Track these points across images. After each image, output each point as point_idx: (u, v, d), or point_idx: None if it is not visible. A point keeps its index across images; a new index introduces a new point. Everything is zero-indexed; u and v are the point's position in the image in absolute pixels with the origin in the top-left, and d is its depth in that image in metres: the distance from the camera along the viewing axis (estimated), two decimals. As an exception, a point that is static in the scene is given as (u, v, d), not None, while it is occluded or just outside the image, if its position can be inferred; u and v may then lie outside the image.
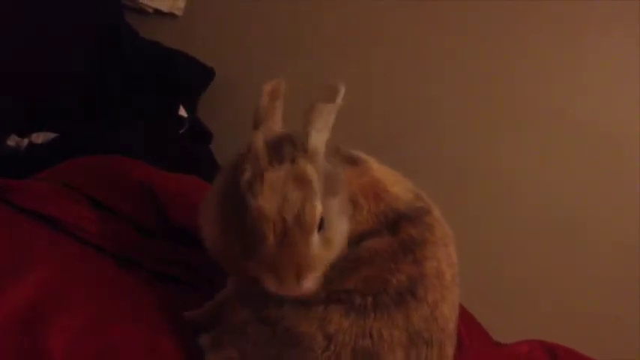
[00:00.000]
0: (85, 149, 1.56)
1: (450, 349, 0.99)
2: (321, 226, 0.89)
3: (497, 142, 2.13)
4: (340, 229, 0.94)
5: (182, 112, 2.22)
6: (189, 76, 2.27)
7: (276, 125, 0.97)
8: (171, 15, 2.35)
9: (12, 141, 1.86)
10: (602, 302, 2.05)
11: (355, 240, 0.96)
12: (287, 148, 0.91)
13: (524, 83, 2.10)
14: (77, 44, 2.03)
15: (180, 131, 2.19)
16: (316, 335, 0.92)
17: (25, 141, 1.87)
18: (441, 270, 0.98)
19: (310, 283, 0.88)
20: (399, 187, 1.04)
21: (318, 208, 0.89)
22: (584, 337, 1.51)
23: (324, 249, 0.90)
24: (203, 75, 2.31)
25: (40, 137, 1.90)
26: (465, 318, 1.48)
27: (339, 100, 0.93)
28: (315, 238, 0.89)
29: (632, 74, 2.01)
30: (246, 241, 0.89)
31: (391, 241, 0.97)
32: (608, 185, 2.06)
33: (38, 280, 0.99)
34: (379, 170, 1.05)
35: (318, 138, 0.92)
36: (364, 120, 2.02)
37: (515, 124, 2.12)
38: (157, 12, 2.34)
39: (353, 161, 1.01)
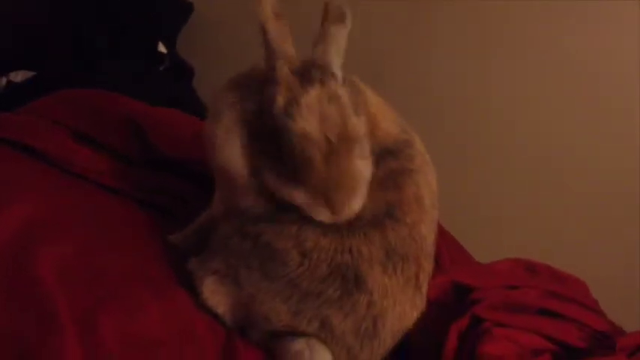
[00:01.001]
0: (64, 86, 1.55)
1: (427, 265, 1.03)
2: None
3: (486, 71, 2.12)
4: (369, 145, 0.96)
5: (161, 48, 2.19)
6: (167, 12, 2.24)
7: (290, 46, 0.95)
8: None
9: (-10, 80, 1.85)
10: (586, 235, 2.08)
11: None
12: (313, 72, 0.91)
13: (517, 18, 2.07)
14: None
15: (161, 68, 2.17)
16: (291, 252, 0.94)
17: (4, 80, 1.87)
18: (420, 195, 1.01)
19: (357, 204, 0.91)
20: (387, 121, 1.05)
21: (358, 123, 0.91)
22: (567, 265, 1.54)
23: (364, 168, 0.93)
24: (181, 10, 2.27)
25: (18, 75, 1.89)
26: (447, 240, 1.51)
27: (349, 22, 0.94)
28: (359, 154, 0.91)
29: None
30: (287, 169, 0.90)
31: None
32: (597, 124, 2.05)
33: (25, 210, 1.00)
34: (373, 104, 1.05)
35: (338, 61, 0.94)
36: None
37: (507, 54, 2.09)
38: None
39: (356, 91, 1.01)
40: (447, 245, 1.46)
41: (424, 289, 1.04)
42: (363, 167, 0.93)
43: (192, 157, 1.26)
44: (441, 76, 2.13)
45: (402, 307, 1.00)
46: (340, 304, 0.95)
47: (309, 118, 0.88)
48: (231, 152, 0.96)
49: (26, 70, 1.91)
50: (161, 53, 2.17)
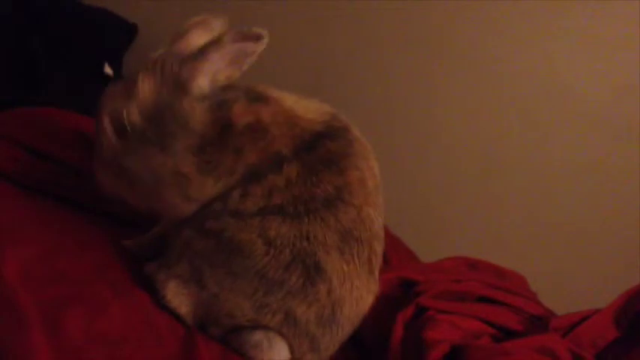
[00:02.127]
0: (11, 107, 1.56)
1: (378, 248, 1.07)
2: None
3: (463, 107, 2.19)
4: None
5: (107, 69, 2.21)
6: (112, 34, 2.26)
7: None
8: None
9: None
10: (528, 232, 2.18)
11: (274, 165, 1.02)
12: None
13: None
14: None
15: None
16: (256, 241, 0.98)
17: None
18: (363, 178, 1.05)
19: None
20: (314, 113, 1.08)
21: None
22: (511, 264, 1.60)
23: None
24: (126, 31, 2.30)
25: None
26: (393, 241, 1.58)
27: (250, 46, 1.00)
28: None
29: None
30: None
31: (308, 159, 1.02)
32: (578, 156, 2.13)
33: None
34: (293, 102, 1.08)
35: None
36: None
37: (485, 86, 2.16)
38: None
39: (260, 98, 1.05)
40: (393, 245, 1.53)
41: (377, 273, 1.08)
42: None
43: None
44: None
45: (358, 291, 1.04)
46: (303, 294, 0.99)
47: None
48: None
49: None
50: (107, 74, 2.19)
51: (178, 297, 1.02)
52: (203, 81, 1.02)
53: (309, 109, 1.08)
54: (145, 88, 1.03)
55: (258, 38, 1.00)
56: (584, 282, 2.10)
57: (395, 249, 1.52)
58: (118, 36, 2.29)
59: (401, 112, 2.21)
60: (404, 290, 1.25)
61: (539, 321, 1.22)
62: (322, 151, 1.04)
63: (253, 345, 1.01)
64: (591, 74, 2.06)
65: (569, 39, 2.07)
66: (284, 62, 2.05)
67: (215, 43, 1.00)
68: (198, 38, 1.06)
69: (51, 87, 1.97)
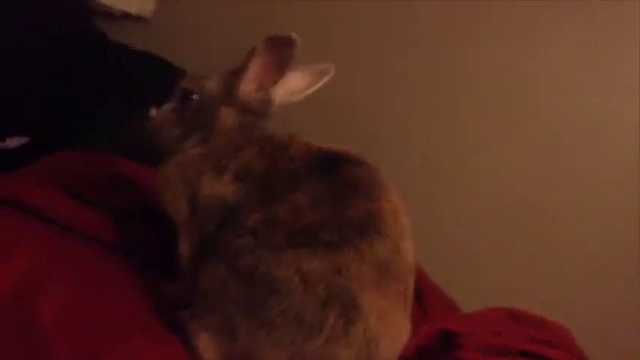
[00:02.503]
0: (58, 151, 1.60)
1: (411, 282, 1.05)
2: None
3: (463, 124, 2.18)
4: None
5: (154, 113, 2.25)
6: (160, 78, 2.30)
7: None
8: (139, 18, 2.39)
9: (-14, 146, 1.88)
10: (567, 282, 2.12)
11: (291, 182, 1.04)
12: None
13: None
14: (45, 50, 2.06)
15: (153, 133, 2.22)
16: (293, 278, 0.95)
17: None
18: (396, 211, 1.04)
19: None
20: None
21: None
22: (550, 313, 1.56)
23: None
24: (174, 76, 2.33)
25: (14, 141, 1.93)
26: (432, 290, 1.55)
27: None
28: None
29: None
30: None
31: (333, 180, 1.03)
32: (581, 171, 2.11)
33: (23, 262, 1.03)
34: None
35: None
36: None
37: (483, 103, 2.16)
38: (126, 15, 2.38)
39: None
40: (433, 293, 1.50)
41: (409, 308, 1.06)
42: None
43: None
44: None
45: (395, 327, 1.01)
46: (345, 336, 0.95)
47: None
48: None
49: (21, 136, 1.95)
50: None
51: (210, 349, 1.00)
52: (248, 88, 1.14)
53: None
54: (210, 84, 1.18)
55: (291, 43, 1.06)
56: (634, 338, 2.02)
57: (434, 297, 1.49)
58: (166, 81, 2.33)
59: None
60: (443, 342, 1.22)
61: (585, 379, 1.17)
62: (347, 174, 1.04)
63: None
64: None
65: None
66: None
67: (251, 53, 1.11)
68: None
69: (96, 130, 2.01)
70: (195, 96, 1.19)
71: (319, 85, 1.22)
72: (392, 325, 1.01)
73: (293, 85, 1.20)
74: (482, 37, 2.13)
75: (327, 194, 1.02)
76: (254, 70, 1.14)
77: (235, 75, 1.15)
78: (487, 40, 2.13)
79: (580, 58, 2.07)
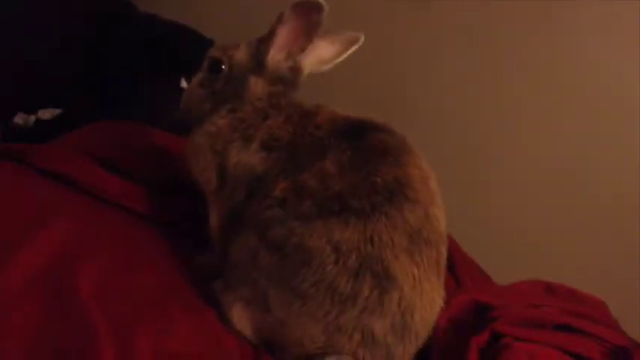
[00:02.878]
0: (90, 122, 1.60)
1: (444, 250, 1.04)
2: None
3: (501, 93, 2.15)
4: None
5: (183, 83, 2.25)
6: (189, 48, 2.30)
7: None
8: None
9: (20, 118, 1.90)
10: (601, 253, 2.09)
11: (317, 151, 1.03)
12: None
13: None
14: (75, 22, 2.07)
15: (184, 104, 2.22)
16: (325, 248, 0.95)
17: (33, 118, 1.91)
18: (426, 178, 1.02)
19: None
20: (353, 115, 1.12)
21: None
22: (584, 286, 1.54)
23: None
24: (203, 46, 2.32)
25: (46, 113, 1.94)
26: (467, 263, 1.54)
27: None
28: None
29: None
30: None
31: (358, 145, 1.02)
32: (606, 138, 2.07)
33: (61, 233, 1.05)
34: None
35: None
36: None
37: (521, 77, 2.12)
38: (154, -14, 2.37)
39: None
40: (467, 266, 1.49)
41: (442, 276, 1.05)
42: None
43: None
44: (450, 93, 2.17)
45: (429, 295, 1.00)
46: (380, 307, 0.95)
47: None
48: None
49: (54, 107, 1.96)
50: (183, 89, 2.22)
51: (244, 320, 1.01)
52: (277, 57, 1.13)
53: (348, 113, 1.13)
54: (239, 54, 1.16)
55: (319, 8, 1.04)
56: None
57: (468, 270, 1.47)
58: (195, 51, 2.32)
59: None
60: (477, 314, 1.20)
61: (624, 353, 1.15)
62: (374, 141, 1.03)
63: None
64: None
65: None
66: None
67: (278, 20, 1.09)
68: None
69: (128, 100, 2.02)
70: (224, 66, 1.17)
71: (348, 53, 1.20)
72: (425, 294, 1.00)
73: (321, 54, 1.18)
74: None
75: (353, 161, 1.00)
76: (282, 36, 1.12)
77: (263, 43, 1.14)
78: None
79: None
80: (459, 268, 1.45)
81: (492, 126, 2.14)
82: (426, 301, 1.00)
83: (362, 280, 0.94)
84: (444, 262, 1.04)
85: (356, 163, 1.00)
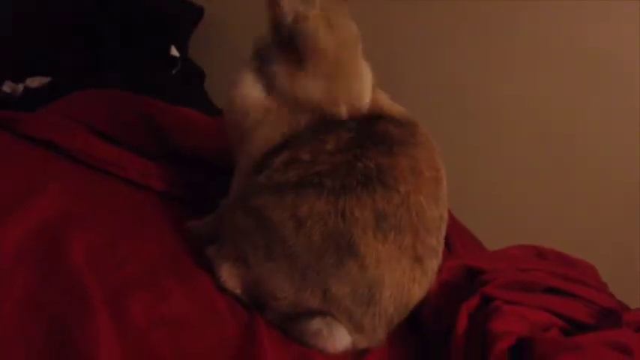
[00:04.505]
0: (79, 90, 1.59)
1: (430, 238, 1.04)
2: None
3: (497, 69, 2.14)
4: None
5: (174, 51, 2.23)
6: (178, 15, 2.28)
7: None
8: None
9: (7, 87, 1.88)
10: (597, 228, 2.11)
11: (331, 124, 1.06)
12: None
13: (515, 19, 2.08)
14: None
15: (173, 71, 2.21)
16: (287, 222, 0.99)
17: (21, 86, 1.90)
18: (417, 167, 1.03)
19: (367, 96, 1.10)
20: (393, 107, 1.14)
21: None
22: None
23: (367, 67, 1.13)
24: (192, 13, 2.31)
25: (35, 82, 1.92)
26: (458, 229, 1.55)
27: None
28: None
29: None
30: (298, 67, 1.06)
31: (360, 131, 1.05)
32: (608, 114, 2.05)
33: (54, 199, 1.06)
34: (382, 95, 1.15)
35: None
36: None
37: (517, 52, 2.11)
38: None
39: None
40: (458, 232, 1.50)
41: (427, 265, 1.05)
42: (366, 66, 1.11)
43: (210, 151, 1.32)
44: (449, 74, 2.15)
45: (400, 277, 1.01)
46: (336, 270, 0.98)
47: (317, 22, 1.04)
48: (244, 83, 1.11)
49: (42, 76, 1.95)
50: (173, 57, 2.21)
51: (233, 278, 1.04)
52: None
53: (392, 105, 1.14)
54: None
55: None
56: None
57: (459, 236, 1.48)
58: (184, 18, 2.30)
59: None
60: (468, 279, 1.21)
61: (611, 314, 1.16)
62: (380, 129, 1.05)
63: (313, 333, 1.01)
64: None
65: None
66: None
67: None
68: None
69: (117, 67, 2.00)
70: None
71: None
72: (395, 273, 1.01)
73: None
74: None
75: (349, 143, 1.03)
76: None
77: None
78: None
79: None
80: (450, 235, 1.46)
81: (492, 119, 2.15)
82: (394, 282, 1.01)
83: (323, 251, 0.98)
84: (426, 250, 1.04)
85: (350, 146, 1.03)
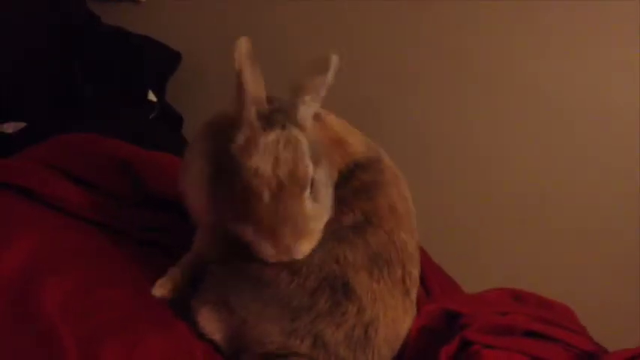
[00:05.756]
0: (55, 135, 1.58)
1: (412, 270, 1.08)
2: (311, 189, 0.95)
3: (469, 115, 2.17)
4: (328, 195, 1.00)
5: (151, 96, 2.24)
6: (156, 61, 2.29)
7: (262, 91, 1.00)
8: (133, 0, 2.36)
9: (-18, 133, 1.87)
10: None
11: None
12: (277, 116, 0.97)
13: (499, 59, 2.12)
14: (40, 35, 2.05)
15: (151, 116, 2.21)
16: (280, 272, 0.98)
17: (-4, 132, 1.89)
18: (393, 204, 1.07)
19: (306, 247, 0.95)
20: (355, 139, 1.12)
21: (310, 166, 0.95)
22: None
23: (315, 212, 0.96)
24: (170, 59, 2.32)
25: (10, 127, 1.92)
26: (435, 271, 1.54)
27: (331, 74, 0.99)
28: (308, 196, 0.94)
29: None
30: (239, 206, 0.94)
31: (344, 190, 1.05)
32: (581, 161, 2.09)
33: (26, 248, 1.04)
34: (338, 124, 1.13)
35: (307, 110, 0.99)
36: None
37: (488, 97, 2.14)
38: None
39: (316, 116, 1.06)
40: (435, 274, 1.49)
41: (413, 295, 1.09)
42: (314, 211, 0.96)
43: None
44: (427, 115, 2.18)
45: (393, 311, 1.04)
46: (331, 316, 0.98)
47: (263, 158, 0.93)
48: (198, 197, 1.03)
49: (17, 121, 1.94)
50: (151, 101, 2.22)
51: (211, 323, 1.02)
52: None
53: (353, 136, 1.12)
54: None
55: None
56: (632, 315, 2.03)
57: (436, 278, 1.48)
58: (162, 63, 2.31)
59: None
60: (447, 323, 1.20)
61: (590, 358, 1.16)
62: (356, 183, 1.06)
63: None
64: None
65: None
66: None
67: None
68: None
69: (94, 113, 2.00)
70: None
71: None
72: (390, 309, 1.03)
73: None
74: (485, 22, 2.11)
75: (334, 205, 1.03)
76: None
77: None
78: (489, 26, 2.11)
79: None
80: (428, 278, 1.46)
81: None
82: (389, 317, 1.03)
83: (319, 295, 0.98)
84: (412, 281, 1.08)
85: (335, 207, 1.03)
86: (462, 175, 2.18)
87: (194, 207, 1.06)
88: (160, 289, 1.09)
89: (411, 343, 1.10)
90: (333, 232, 0.99)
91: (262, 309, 0.99)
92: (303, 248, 0.94)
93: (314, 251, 0.97)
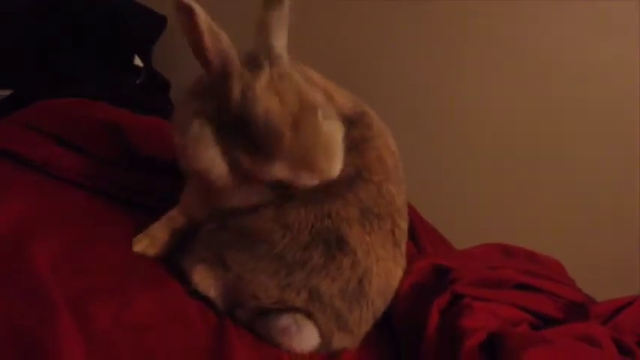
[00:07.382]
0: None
1: (401, 222, 1.09)
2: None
3: (459, 68, 2.15)
4: (331, 109, 1.04)
5: (137, 61, 2.22)
6: (141, 26, 2.26)
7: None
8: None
9: (-31, 101, 1.86)
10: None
11: None
12: (260, 58, 0.98)
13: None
14: (25, 5, 2.03)
15: (137, 81, 2.19)
16: (273, 227, 0.99)
17: (-19, 100, 1.87)
18: (382, 156, 1.08)
19: (338, 163, 0.97)
20: (340, 95, 1.13)
21: (310, 89, 0.98)
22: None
23: (332, 128, 0.99)
24: (155, 23, 2.29)
25: (-4, 94, 1.90)
26: (426, 229, 1.56)
27: (285, 6, 0.99)
28: (321, 117, 0.96)
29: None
30: (262, 151, 0.94)
31: None
32: (573, 113, 2.09)
33: (14, 211, 1.04)
34: (322, 81, 1.13)
35: (281, 43, 1.00)
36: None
37: (478, 49, 2.13)
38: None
39: (301, 70, 1.06)
40: (426, 232, 1.51)
41: (403, 247, 1.11)
42: (332, 127, 0.98)
43: (174, 159, 1.30)
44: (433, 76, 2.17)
45: (385, 263, 1.05)
46: (326, 270, 0.99)
47: (267, 97, 0.94)
48: (207, 157, 0.99)
49: (2, 89, 1.92)
50: (137, 67, 2.20)
51: (206, 280, 1.03)
52: None
53: (338, 92, 1.13)
54: None
55: None
56: (623, 267, 2.06)
57: (428, 236, 1.49)
58: (148, 28, 2.28)
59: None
60: (438, 278, 1.22)
61: (579, 308, 1.18)
62: (349, 137, 1.05)
63: (281, 330, 1.00)
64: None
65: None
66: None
67: None
68: None
69: (79, 78, 1.98)
70: None
71: None
72: (381, 261, 1.05)
73: None
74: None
75: None
76: None
77: None
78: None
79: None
80: (419, 235, 1.47)
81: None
82: (381, 268, 1.05)
83: (313, 249, 0.99)
84: (401, 232, 1.10)
85: None
86: (451, 128, 2.17)
87: (199, 166, 1.00)
88: (139, 245, 1.10)
89: (402, 298, 1.12)
90: (326, 187, 0.99)
91: (257, 264, 1.00)
92: (336, 165, 0.97)
93: (305, 207, 0.99)
